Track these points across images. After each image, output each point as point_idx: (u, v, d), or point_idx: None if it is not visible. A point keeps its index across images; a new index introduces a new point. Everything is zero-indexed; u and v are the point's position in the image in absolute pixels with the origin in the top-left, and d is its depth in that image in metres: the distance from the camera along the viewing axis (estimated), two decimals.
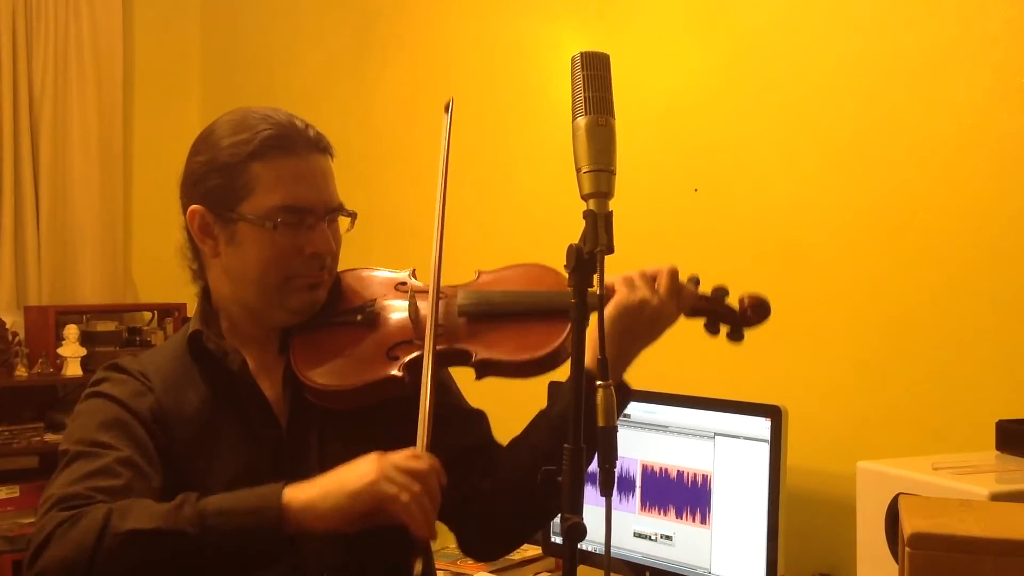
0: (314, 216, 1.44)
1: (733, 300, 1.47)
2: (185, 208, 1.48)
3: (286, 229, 1.42)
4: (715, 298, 1.46)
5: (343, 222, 1.51)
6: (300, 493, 1.25)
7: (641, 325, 1.39)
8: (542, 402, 1.60)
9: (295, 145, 1.43)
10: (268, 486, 1.27)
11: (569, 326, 1.36)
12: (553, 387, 2.01)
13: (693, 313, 1.45)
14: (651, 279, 1.41)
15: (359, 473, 1.25)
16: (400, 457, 1.25)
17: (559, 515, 1.04)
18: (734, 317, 1.45)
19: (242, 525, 1.23)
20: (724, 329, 1.46)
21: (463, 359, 1.42)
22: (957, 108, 2.03)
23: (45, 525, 1.26)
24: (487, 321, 1.44)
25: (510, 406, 1.60)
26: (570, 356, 1.06)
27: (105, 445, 1.36)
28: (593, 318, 1.11)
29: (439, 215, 1.47)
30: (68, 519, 1.25)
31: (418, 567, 1.29)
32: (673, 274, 1.42)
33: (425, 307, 1.43)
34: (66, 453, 1.36)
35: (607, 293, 1.38)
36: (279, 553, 1.26)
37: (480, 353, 1.40)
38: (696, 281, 1.46)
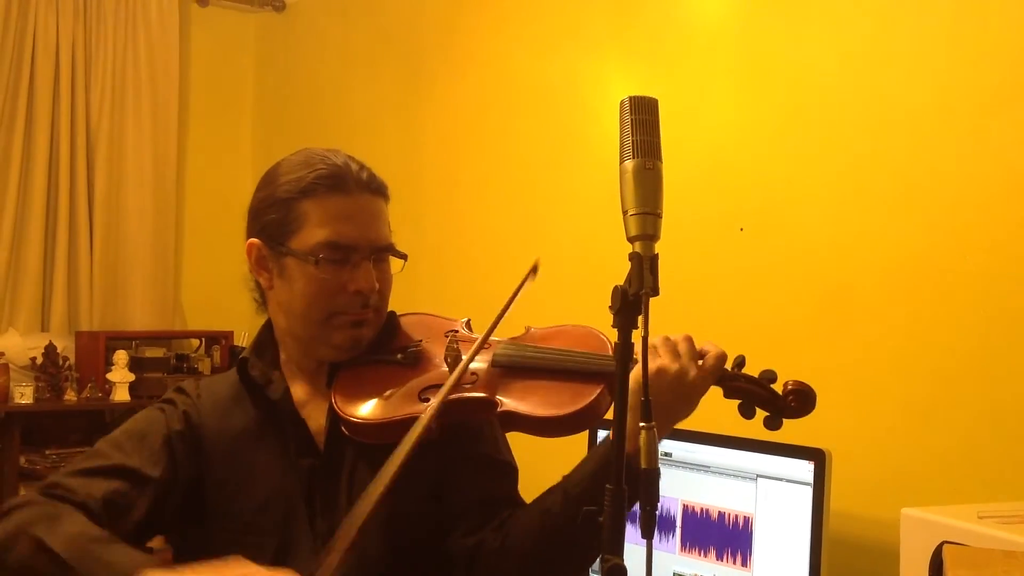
0: (359, 254, 1.47)
1: (777, 385, 1.38)
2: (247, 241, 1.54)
3: (329, 265, 1.45)
4: (756, 380, 1.39)
5: (395, 263, 1.54)
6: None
7: (666, 393, 1.33)
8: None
9: (345, 184, 1.48)
10: (146, 557, 1.30)
11: (599, 390, 1.36)
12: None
13: (732, 394, 1.39)
14: (672, 345, 1.36)
15: (222, 572, 1.23)
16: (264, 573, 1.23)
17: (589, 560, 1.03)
18: (775, 404, 1.37)
19: None
20: (761, 415, 1.38)
21: (489, 409, 1.42)
22: (1006, 150, 2.01)
23: (15, 501, 1.41)
24: (519, 374, 1.44)
25: (546, 463, 1.59)
26: (599, 417, 1.05)
27: (121, 449, 1.47)
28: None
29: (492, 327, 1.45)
30: (23, 505, 1.38)
31: None
32: (688, 339, 1.37)
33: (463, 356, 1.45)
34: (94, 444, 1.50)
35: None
36: None
37: (506, 404, 1.40)
38: (741, 362, 1.40)
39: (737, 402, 1.40)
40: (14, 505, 1.39)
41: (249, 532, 1.45)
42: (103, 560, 1.29)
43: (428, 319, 1.63)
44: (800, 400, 1.37)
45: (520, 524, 1.45)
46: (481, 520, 1.48)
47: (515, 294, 1.44)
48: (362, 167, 1.51)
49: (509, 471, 1.58)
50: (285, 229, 1.48)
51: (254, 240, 1.52)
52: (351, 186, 1.48)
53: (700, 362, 1.36)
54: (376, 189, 1.52)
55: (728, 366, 1.39)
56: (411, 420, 1.40)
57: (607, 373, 1.37)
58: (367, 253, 1.48)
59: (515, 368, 1.45)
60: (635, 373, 1.30)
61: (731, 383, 1.38)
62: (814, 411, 1.41)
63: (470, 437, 1.53)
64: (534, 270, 1.47)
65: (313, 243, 1.45)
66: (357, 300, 1.48)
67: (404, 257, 1.55)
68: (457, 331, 1.58)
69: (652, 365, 1.32)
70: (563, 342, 1.49)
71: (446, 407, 1.37)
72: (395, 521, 1.46)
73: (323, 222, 1.46)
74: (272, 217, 1.49)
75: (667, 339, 1.37)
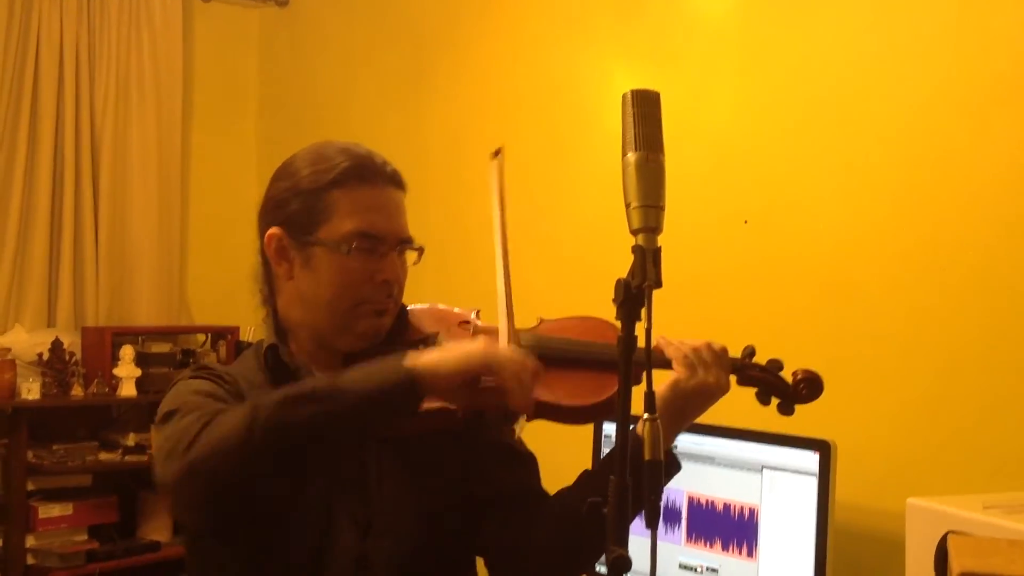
0: (386, 245, 1.49)
1: (787, 374, 1.48)
2: (263, 232, 1.53)
3: (359, 254, 1.47)
4: (768, 369, 1.47)
5: (410, 255, 1.56)
6: (420, 357, 1.29)
7: (695, 405, 1.43)
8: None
9: (373, 176, 1.50)
10: (387, 358, 1.31)
11: None
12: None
13: (746, 382, 1.47)
14: (703, 357, 1.43)
15: (472, 343, 1.33)
16: (503, 345, 1.35)
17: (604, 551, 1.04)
18: (786, 392, 1.47)
19: (377, 382, 1.28)
20: (775, 401, 1.48)
21: None
22: (1010, 144, 2.01)
23: (188, 427, 1.29)
24: (547, 365, 1.44)
25: (560, 453, 1.60)
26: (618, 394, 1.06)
27: (209, 395, 1.42)
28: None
29: (500, 259, 1.50)
30: (211, 419, 1.29)
31: (519, 428, 1.31)
32: (708, 345, 1.45)
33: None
34: (170, 414, 1.38)
35: (658, 355, 1.42)
36: (409, 411, 1.30)
37: (537, 394, 1.40)
38: (751, 352, 1.49)
39: (753, 390, 1.49)
40: (203, 424, 1.29)
41: (294, 508, 1.43)
42: (365, 372, 1.29)
43: (438, 311, 1.64)
44: (810, 387, 1.47)
45: (558, 514, 1.48)
46: (511, 512, 1.51)
47: (499, 192, 1.51)
48: (384, 161, 1.54)
49: (531, 462, 1.60)
50: (312, 219, 1.48)
51: (275, 230, 1.51)
52: (378, 178, 1.51)
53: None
54: (399, 183, 1.54)
55: (738, 356, 1.48)
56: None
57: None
58: (393, 244, 1.51)
59: (542, 359, 1.45)
60: (663, 388, 1.40)
61: (745, 372, 1.47)
62: (820, 402, 1.48)
63: (489, 429, 1.55)
64: (496, 155, 1.52)
65: (344, 232, 1.47)
66: (383, 289, 1.50)
67: (421, 250, 1.57)
68: (470, 321, 1.60)
69: (694, 381, 1.41)
70: (579, 333, 1.52)
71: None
72: (426, 517, 1.49)
73: (353, 212, 1.47)
74: (296, 207, 1.49)
75: (695, 351, 1.44)
